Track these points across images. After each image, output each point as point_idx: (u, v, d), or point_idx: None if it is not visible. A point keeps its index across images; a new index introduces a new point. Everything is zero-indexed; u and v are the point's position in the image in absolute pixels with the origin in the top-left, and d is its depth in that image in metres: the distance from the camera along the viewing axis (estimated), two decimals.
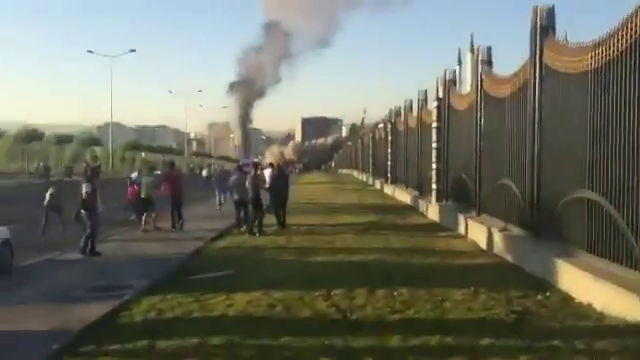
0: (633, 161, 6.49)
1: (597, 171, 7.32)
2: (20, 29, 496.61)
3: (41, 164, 48.20)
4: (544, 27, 8.70)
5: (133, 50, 61.80)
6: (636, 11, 6.36)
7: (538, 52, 8.90)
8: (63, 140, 63.73)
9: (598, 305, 6.60)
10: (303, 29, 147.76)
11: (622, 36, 6.64)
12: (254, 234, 13.79)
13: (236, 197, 15.10)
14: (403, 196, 23.17)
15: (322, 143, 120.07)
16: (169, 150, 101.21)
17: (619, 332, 5.78)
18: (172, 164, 18.54)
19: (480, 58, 12.04)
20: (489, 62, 11.86)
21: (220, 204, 21.11)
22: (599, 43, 7.17)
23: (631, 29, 6.44)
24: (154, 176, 17.36)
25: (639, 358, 5.08)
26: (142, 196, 15.42)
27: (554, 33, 8.63)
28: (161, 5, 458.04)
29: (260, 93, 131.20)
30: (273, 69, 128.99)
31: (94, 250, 11.55)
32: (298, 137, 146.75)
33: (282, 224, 14.98)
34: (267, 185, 15.68)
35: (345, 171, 63.26)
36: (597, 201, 7.31)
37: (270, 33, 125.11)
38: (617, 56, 6.81)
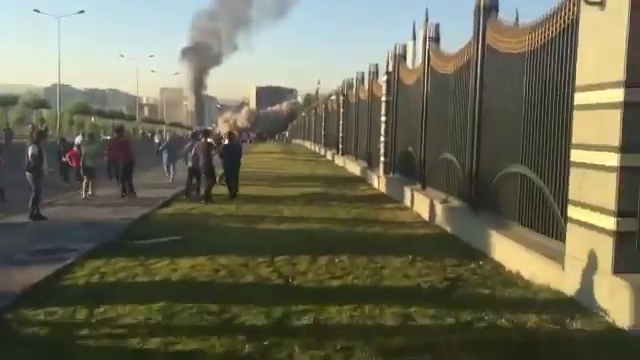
0: (559, 138, 6.89)
1: (529, 147, 7.72)
2: None
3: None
4: (487, 7, 8.99)
5: (82, 11, 59.76)
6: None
7: (481, 32, 9.19)
8: (7, 102, 61.35)
9: (526, 274, 7.04)
10: None
11: (556, 21, 6.96)
12: (206, 202, 13.81)
13: (189, 164, 15.13)
14: (353, 168, 23.53)
15: (278, 110, 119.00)
16: (120, 115, 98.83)
17: (541, 298, 6.22)
18: (120, 130, 18.02)
19: (428, 35, 12.29)
20: (437, 39, 12.13)
21: (170, 174, 19.22)
22: (536, 26, 7.49)
23: (564, 14, 6.76)
24: (96, 143, 17.07)
25: (556, 322, 5.48)
26: (85, 164, 15.10)
27: (497, 14, 8.91)
28: None
29: (215, 60, 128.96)
30: (229, 36, 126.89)
31: (39, 214, 11.41)
32: (253, 106, 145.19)
33: (234, 194, 14.94)
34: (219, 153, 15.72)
35: (298, 141, 63.37)
36: (528, 176, 7.72)
37: None
38: (550, 40, 7.15)
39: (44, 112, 72.43)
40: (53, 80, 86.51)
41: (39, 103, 71.18)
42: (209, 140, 15.53)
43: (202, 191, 14.61)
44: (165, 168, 19.64)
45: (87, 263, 7.70)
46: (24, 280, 6.82)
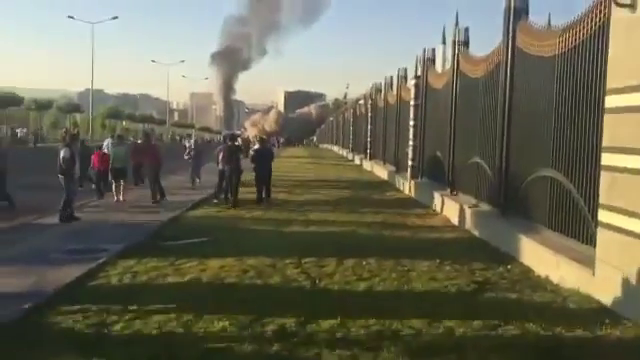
0: (590, 141, 6.81)
1: (559, 150, 7.65)
2: None
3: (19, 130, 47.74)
4: (517, 10, 8.94)
5: (115, 17, 60.86)
6: (599, 0, 6.61)
7: (511, 35, 9.14)
8: (42, 106, 62.82)
9: (555, 278, 6.98)
10: (289, 1, 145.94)
11: (587, 23, 6.90)
12: (234, 205, 13.91)
13: (220, 167, 14.97)
14: (381, 172, 23.50)
15: (306, 113, 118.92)
16: (150, 119, 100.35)
17: (570, 303, 6.16)
18: (147, 135, 17.98)
19: (457, 38, 12.26)
20: (466, 43, 12.09)
21: (194, 182, 18.54)
22: (566, 29, 7.43)
23: (595, 16, 6.70)
24: (125, 146, 16.81)
25: (586, 327, 5.41)
26: (114, 166, 15.06)
27: (527, 16, 8.86)
28: None
29: (244, 65, 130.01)
30: (258, 41, 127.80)
31: (72, 215, 11.68)
32: (281, 110, 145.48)
33: (261, 199, 14.80)
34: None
35: (326, 146, 63.48)
36: (558, 179, 7.65)
37: (255, 3, 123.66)
38: (581, 42, 7.09)
39: (77, 116, 73.96)
40: (86, 85, 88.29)
41: (72, 107, 72.72)
42: (236, 143, 15.63)
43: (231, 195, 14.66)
44: (190, 173, 18.95)
45: (119, 263, 7.87)
46: (58, 279, 7.01)
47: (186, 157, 19.30)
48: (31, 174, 18.30)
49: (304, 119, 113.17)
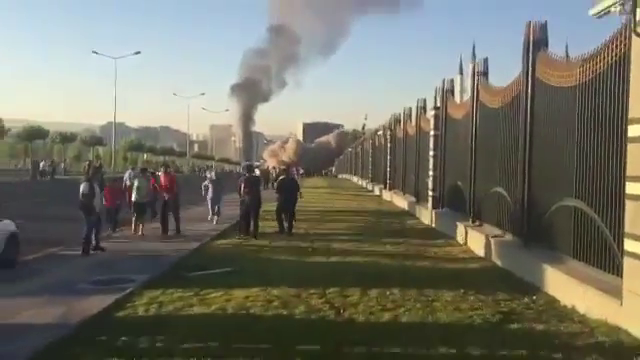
0: (614, 171, 6.81)
1: (582, 180, 7.65)
2: (27, 30, 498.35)
3: (42, 162, 48.61)
4: (536, 42, 9.05)
5: (138, 52, 62.38)
6: (620, 31, 6.69)
7: (530, 65, 9.23)
8: (66, 139, 64.17)
9: (582, 308, 6.91)
10: (308, 34, 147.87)
11: (607, 54, 6.97)
12: (255, 236, 13.95)
13: (241, 198, 14.70)
14: (401, 202, 23.48)
15: (325, 141, 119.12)
16: (171, 151, 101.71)
17: (599, 333, 6.09)
18: (167, 166, 17.38)
19: (477, 69, 12.38)
20: (485, 73, 12.20)
21: (214, 214, 17.32)
22: (587, 59, 7.50)
23: (615, 47, 6.77)
24: (147, 179, 15.96)
25: (614, 357, 5.36)
26: (136, 200, 14.74)
27: (546, 48, 8.96)
28: (166, 8, 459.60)
29: (264, 97, 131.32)
30: (278, 73, 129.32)
31: (98, 246, 11.81)
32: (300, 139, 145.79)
33: (283, 230, 14.67)
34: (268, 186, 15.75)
35: (345, 176, 63.56)
36: (582, 209, 7.63)
37: (274, 36, 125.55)
38: (602, 72, 7.15)
39: (100, 149, 75.25)
40: (108, 118, 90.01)
41: (95, 140, 74.15)
42: (256, 174, 15.54)
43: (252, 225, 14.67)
44: (209, 206, 17.77)
45: (145, 293, 7.95)
46: (86, 309, 7.11)
47: (203, 190, 18.08)
48: (53, 205, 18.57)
49: (323, 148, 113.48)
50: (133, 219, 14.79)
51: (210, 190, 17.70)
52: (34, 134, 55.87)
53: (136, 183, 15.18)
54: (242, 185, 14.70)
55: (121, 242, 13.44)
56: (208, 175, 19.97)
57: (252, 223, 14.31)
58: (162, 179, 15.43)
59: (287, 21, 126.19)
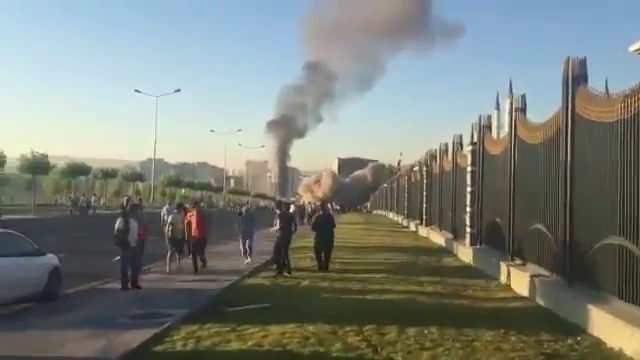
0: None
1: (627, 217, 7.46)
2: (71, 70, 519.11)
3: (81, 197, 49.79)
4: (575, 77, 8.99)
5: (178, 90, 63.81)
6: None
7: (570, 101, 9.15)
8: (108, 175, 65.79)
9: (628, 350, 6.67)
10: (344, 71, 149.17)
11: None
12: (289, 272, 13.92)
13: (277, 234, 14.54)
14: (437, 239, 23.22)
15: (362, 175, 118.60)
16: (208, 187, 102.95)
17: None
18: (196, 202, 17.04)
19: (514, 105, 12.32)
20: (523, 109, 12.12)
21: (247, 253, 16.28)
22: (629, 94, 7.40)
23: None
24: (180, 212, 15.39)
25: None
26: (173, 235, 14.52)
27: (586, 83, 8.88)
28: (206, 48, 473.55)
29: (300, 133, 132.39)
30: (314, 108, 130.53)
31: (135, 283, 11.75)
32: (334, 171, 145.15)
33: (320, 266, 14.48)
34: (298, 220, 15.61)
35: (380, 212, 63.25)
36: (627, 247, 7.42)
37: (311, 73, 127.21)
38: None
39: (139, 185, 76.81)
40: (148, 155, 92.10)
41: (136, 176, 75.75)
42: (288, 211, 15.42)
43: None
44: (241, 244, 16.80)
45: (182, 328, 8.00)
46: (125, 343, 7.22)
47: (236, 227, 17.02)
48: (93, 240, 18.93)
49: (359, 183, 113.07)
50: (168, 255, 14.54)
51: (240, 227, 16.75)
52: (77, 170, 57.43)
53: (170, 219, 15.00)
54: (277, 222, 14.78)
55: (158, 276, 13.56)
56: (244, 210, 19.34)
57: (286, 259, 14.29)
58: (193, 216, 14.83)
59: (322, 58, 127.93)
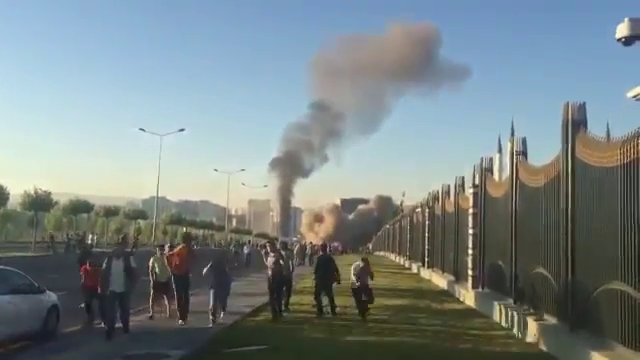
0: None
1: (629, 263, 7.42)
2: (76, 108, 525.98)
3: (71, 234, 49.58)
4: (575, 122, 9.08)
5: (182, 129, 64.34)
6: None
7: (570, 145, 9.22)
8: (110, 213, 65.91)
9: None
10: (348, 111, 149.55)
11: None
12: (287, 311, 13.72)
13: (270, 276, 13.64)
14: (439, 281, 23.03)
15: (367, 209, 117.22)
16: (210, 225, 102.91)
17: None
18: (186, 237, 15.38)
19: (515, 149, 12.41)
20: (524, 152, 12.21)
21: (215, 310, 12.54)
22: (628, 139, 7.47)
23: None
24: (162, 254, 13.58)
25: None
26: (155, 279, 13.24)
27: (585, 128, 8.97)
28: (209, 87, 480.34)
29: (304, 172, 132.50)
30: (319, 148, 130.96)
31: (126, 328, 10.99)
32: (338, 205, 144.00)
33: (322, 310, 13.81)
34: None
35: (382, 253, 62.87)
36: (629, 293, 7.36)
37: (316, 112, 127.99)
38: None
39: (141, 222, 76.81)
40: (151, 192, 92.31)
41: (138, 214, 75.84)
42: (280, 252, 14.22)
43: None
44: (210, 302, 12.63)
45: None
46: None
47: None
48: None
49: (364, 218, 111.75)
50: (151, 299, 13.31)
51: (210, 277, 13.06)
52: (79, 207, 57.55)
53: (151, 262, 13.50)
54: (272, 261, 13.66)
55: (155, 316, 13.30)
56: (245, 250, 17.90)
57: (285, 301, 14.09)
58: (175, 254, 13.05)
59: (327, 98, 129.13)
